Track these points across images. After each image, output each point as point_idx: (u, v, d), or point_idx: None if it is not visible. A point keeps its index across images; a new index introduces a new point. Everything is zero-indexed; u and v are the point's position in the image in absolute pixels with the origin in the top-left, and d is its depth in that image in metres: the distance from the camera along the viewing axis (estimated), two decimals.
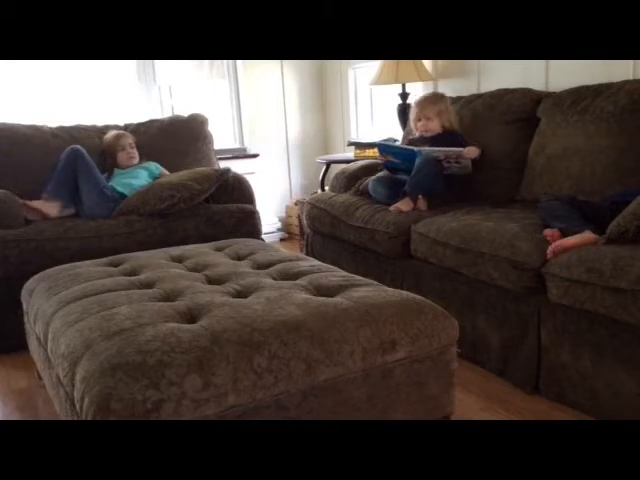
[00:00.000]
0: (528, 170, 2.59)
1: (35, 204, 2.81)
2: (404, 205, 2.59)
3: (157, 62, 4.12)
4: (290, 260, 2.04)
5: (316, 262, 2.03)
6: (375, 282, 1.79)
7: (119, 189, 2.96)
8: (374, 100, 4.30)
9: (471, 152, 2.64)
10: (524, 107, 2.67)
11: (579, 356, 1.82)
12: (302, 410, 1.43)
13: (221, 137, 4.24)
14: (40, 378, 2.05)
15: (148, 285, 1.85)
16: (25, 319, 2.13)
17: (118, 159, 3.15)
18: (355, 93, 4.39)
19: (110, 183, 3.00)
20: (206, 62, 4.38)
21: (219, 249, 2.31)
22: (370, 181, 2.86)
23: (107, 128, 3.32)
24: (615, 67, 2.55)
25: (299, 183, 4.67)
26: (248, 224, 3.01)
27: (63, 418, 1.55)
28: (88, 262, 2.20)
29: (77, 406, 1.32)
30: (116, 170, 3.13)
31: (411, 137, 3.00)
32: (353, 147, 3.82)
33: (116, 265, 2.15)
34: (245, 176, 3.24)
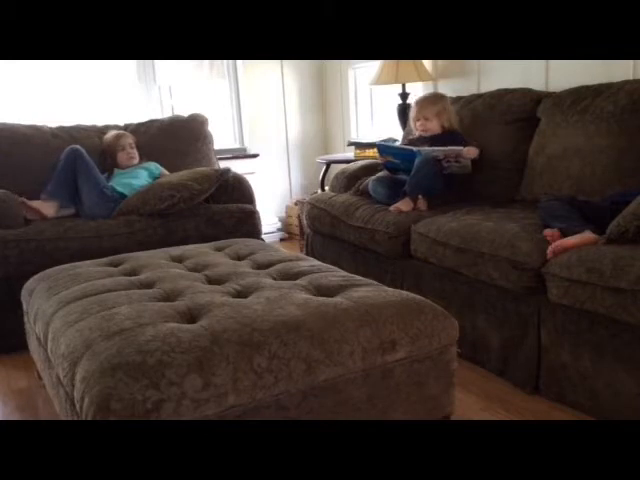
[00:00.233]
0: (528, 170, 2.59)
1: (33, 204, 2.81)
2: (404, 205, 2.59)
3: (157, 62, 4.12)
4: (290, 260, 2.04)
5: (316, 262, 2.03)
6: (375, 282, 1.79)
7: (119, 189, 2.96)
8: (374, 100, 4.30)
9: (470, 152, 2.64)
10: (524, 107, 2.67)
11: (579, 356, 1.82)
12: (302, 410, 1.43)
13: (221, 137, 4.24)
14: (40, 378, 2.05)
15: (148, 285, 1.85)
16: (25, 319, 2.13)
17: (118, 159, 3.15)
18: (355, 93, 4.39)
19: (110, 183, 3.00)
20: (206, 62, 4.38)
21: (219, 249, 2.31)
22: (370, 181, 2.86)
23: (107, 128, 3.32)
24: (615, 67, 2.55)
25: (299, 183, 4.67)
26: (248, 224, 3.01)
27: (63, 418, 1.55)
28: (88, 262, 2.20)
29: (77, 406, 1.32)
30: (116, 170, 3.13)
31: (411, 137, 3.00)
32: (353, 147, 3.82)
33: (116, 265, 2.16)
34: (245, 176, 3.24)
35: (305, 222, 3.30)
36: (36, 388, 2.23)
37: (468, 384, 2.08)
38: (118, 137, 3.18)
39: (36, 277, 2.12)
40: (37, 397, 2.19)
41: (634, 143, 2.19)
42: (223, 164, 3.59)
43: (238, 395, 1.33)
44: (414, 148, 2.69)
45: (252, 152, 4.44)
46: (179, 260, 2.17)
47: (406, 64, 3.45)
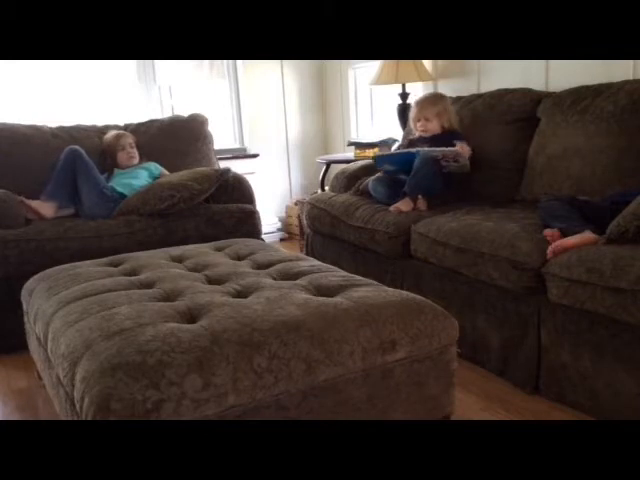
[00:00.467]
0: (528, 170, 2.59)
1: (32, 204, 2.81)
2: (404, 205, 2.59)
3: (157, 62, 4.12)
4: (290, 260, 2.04)
5: (316, 262, 2.03)
6: (375, 282, 1.79)
7: (119, 189, 2.96)
8: (374, 100, 4.30)
9: (464, 149, 2.65)
10: (524, 107, 2.67)
11: (579, 356, 1.82)
12: (302, 410, 1.43)
13: (221, 137, 4.24)
14: (40, 378, 2.05)
15: (148, 285, 1.85)
16: (25, 319, 2.13)
17: (118, 159, 3.15)
18: (355, 93, 4.39)
19: (110, 183, 3.00)
20: (206, 62, 4.38)
21: (219, 249, 2.31)
22: (370, 180, 2.86)
23: (107, 128, 3.32)
24: (615, 67, 2.55)
25: (299, 183, 4.67)
26: (248, 224, 3.01)
27: (63, 418, 1.55)
28: (88, 262, 2.20)
29: (77, 406, 1.32)
30: (116, 170, 3.13)
31: (411, 137, 3.00)
32: (353, 147, 3.82)
33: (116, 265, 2.16)
34: (245, 176, 3.24)
35: (305, 222, 3.30)
36: (36, 388, 2.23)
37: (468, 384, 2.08)
38: (118, 137, 3.18)
39: (36, 277, 2.12)
40: (37, 397, 2.19)
41: (634, 143, 2.20)
42: (223, 164, 3.59)
43: (238, 395, 1.33)
44: (412, 150, 2.69)
45: (252, 152, 4.44)
46: (179, 260, 2.17)
47: (406, 64, 3.45)
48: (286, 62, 4.45)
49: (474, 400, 1.99)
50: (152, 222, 2.81)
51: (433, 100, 2.85)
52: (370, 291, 1.67)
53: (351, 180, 3.12)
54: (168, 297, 1.72)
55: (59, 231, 2.64)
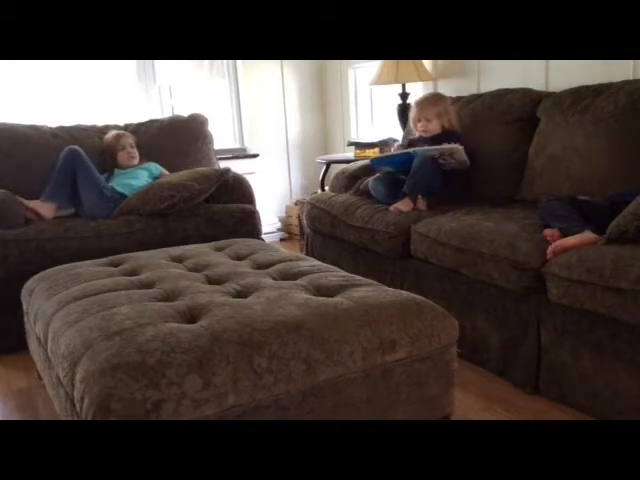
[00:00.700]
0: (528, 170, 2.59)
1: (30, 204, 2.81)
2: (404, 205, 2.59)
3: (157, 62, 4.12)
4: (290, 260, 2.04)
5: (316, 262, 2.03)
6: (375, 282, 1.79)
7: (119, 189, 2.96)
8: (374, 100, 4.30)
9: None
10: (524, 107, 2.67)
11: (579, 356, 1.82)
12: (302, 410, 1.43)
13: (221, 137, 4.24)
14: (40, 378, 2.05)
15: (148, 285, 1.85)
16: (25, 319, 2.13)
17: (118, 159, 3.15)
18: (355, 93, 4.39)
19: (110, 183, 3.00)
20: (206, 62, 4.38)
21: (219, 249, 2.31)
22: (370, 180, 2.86)
23: (107, 128, 3.32)
24: (615, 67, 2.55)
25: (299, 183, 4.67)
26: (248, 224, 3.01)
27: (63, 418, 1.55)
28: (88, 262, 2.20)
29: (77, 406, 1.32)
30: (116, 170, 3.13)
31: (411, 137, 3.00)
32: (353, 147, 3.82)
33: (116, 265, 2.16)
34: (245, 176, 3.24)
35: (305, 222, 3.30)
36: (36, 388, 2.23)
37: (468, 384, 2.08)
38: (118, 137, 3.18)
39: (36, 277, 2.12)
40: (37, 397, 2.19)
41: (634, 143, 2.19)
42: (223, 164, 3.59)
43: (238, 395, 1.33)
44: (410, 150, 2.70)
45: (252, 152, 4.44)
46: (179, 260, 2.17)
47: (406, 64, 3.45)
48: (286, 62, 4.45)
49: (474, 400, 1.99)
50: (152, 222, 2.81)
51: (433, 100, 2.85)
52: (370, 291, 1.67)
53: (351, 180, 3.12)
54: (168, 297, 1.72)
55: (59, 231, 2.64)
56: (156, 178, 3.11)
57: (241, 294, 1.72)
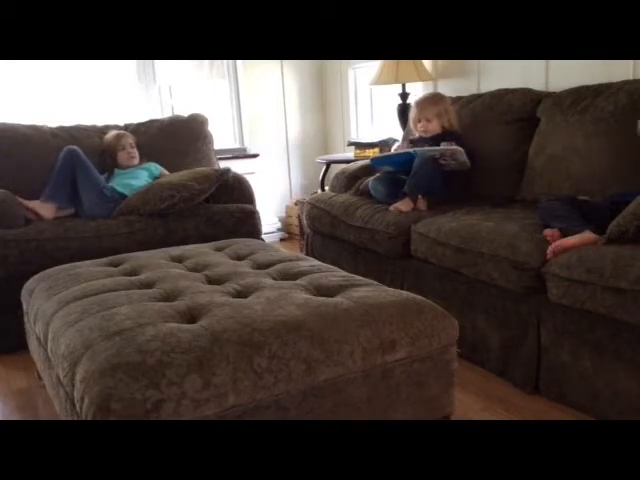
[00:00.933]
0: (528, 170, 2.59)
1: (30, 204, 2.81)
2: (404, 205, 2.59)
3: (157, 62, 4.12)
4: (290, 260, 2.04)
5: (316, 262, 2.03)
6: (375, 282, 1.79)
7: (119, 189, 2.96)
8: (374, 100, 4.30)
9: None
10: (524, 107, 2.67)
11: (579, 356, 1.82)
12: (302, 410, 1.43)
13: (221, 137, 4.24)
14: (40, 378, 2.05)
15: (148, 285, 1.85)
16: (25, 319, 2.13)
17: (118, 159, 3.15)
18: (355, 93, 4.39)
19: (110, 183, 3.00)
20: (206, 62, 4.38)
21: (219, 249, 2.31)
22: (370, 180, 2.86)
23: (107, 128, 3.32)
24: (615, 67, 2.55)
25: (299, 183, 4.67)
26: (248, 224, 3.01)
27: (63, 418, 1.55)
28: (88, 262, 2.20)
29: (77, 406, 1.32)
30: (116, 170, 3.13)
31: (411, 137, 3.01)
32: (353, 147, 3.82)
33: (116, 265, 2.15)
34: (245, 176, 3.24)
35: (305, 222, 3.30)
36: (36, 388, 2.23)
37: (468, 384, 2.08)
38: (119, 137, 3.18)
39: (36, 277, 2.12)
40: (37, 397, 2.19)
41: (634, 143, 2.19)
42: (223, 164, 3.59)
43: (238, 395, 1.33)
44: (410, 150, 2.70)
45: (252, 152, 4.44)
46: (179, 260, 2.17)
47: (406, 64, 3.45)
48: (286, 62, 4.45)
49: (474, 400, 1.99)
50: (152, 222, 2.81)
51: (433, 100, 2.85)
52: (370, 291, 1.67)
53: (351, 180, 3.12)
54: (168, 297, 1.72)
55: (59, 231, 2.64)
56: (156, 178, 3.11)
57: (241, 294, 1.72)
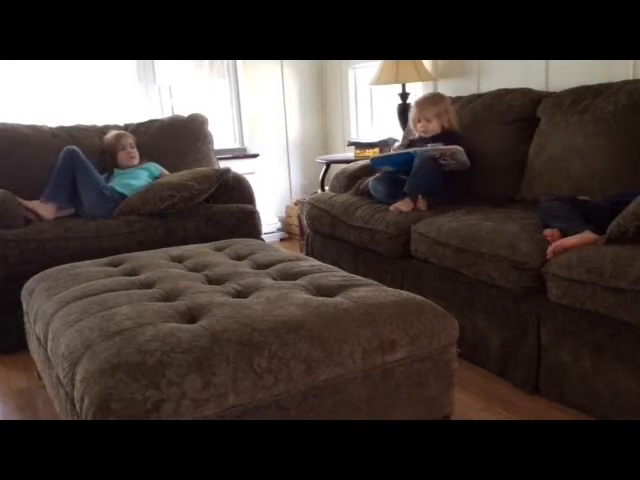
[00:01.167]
0: (528, 170, 2.59)
1: (30, 204, 2.81)
2: (404, 205, 2.59)
3: (157, 62, 4.12)
4: (290, 260, 2.04)
5: (316, 262, 2.03)
6: (375, 282, 1.79)
7: (119, 189, 2.96)
8: (374, 100, 4.30)
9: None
10: (524, 107, 2.67)
11: (579, 356, 1.82)
12: (302, 410, 1.43)
13: (221, 137, 4.24)
14: (40, 378, 2.05)
15: (148, 285, 1.85)
16: (25, 319, 2.13)
17: (118, 159, 3.15)
18: (355, 93, 4.39)
19: (110, 183, 3.00)
20: (206, 62, 4.38)
21: (219, 249, 2.31)
22: (370, 180, 2.86)
23: (107, 128, 3.32)
24: (615, 67, 2.55)
25: (299, 183, 4.67)
26: (248, 224, 3.01)
27: (63, 418, 1.55)
28: (88, 262, 2.20)
29: (77, 406, 1.32)
30: (116, 170, 3.13)
31: (411, 137, 3.01)
32: (353, 147, 3.82)
33: (116, 265, 2.16)
34: (245, 176, 3.24)
35: (305, 222, 3.30)
36: (36, 388, 2.23)
37: (468, 384, 2.08)
38: (119, 137, 3.18)
39: (36, 277, 2.12)
40: (37, 397, 2.19)
41: (634, 143, 2.19)
42: (223, 164, 3.59)
43: (238, 395, 1.33)
44: (410, 150, 2.70)
45: (252, 152, 4.44)
46: (179, 260, 2.17)
47: (406, 64, 3.45)
48: (286, 62, 4.45)
49: (474, 400, 1.99)
50: (152, 222, 2.82)
51: (433, 100, 2.85)
52: (370, 291, 1.67)
53: (351, 180, 3.12)
54: (168, 297, 1.72)
55: (59, 231, 2.64)
56: (156, 178, 3.11)
57: (241, 294, 1.72)
